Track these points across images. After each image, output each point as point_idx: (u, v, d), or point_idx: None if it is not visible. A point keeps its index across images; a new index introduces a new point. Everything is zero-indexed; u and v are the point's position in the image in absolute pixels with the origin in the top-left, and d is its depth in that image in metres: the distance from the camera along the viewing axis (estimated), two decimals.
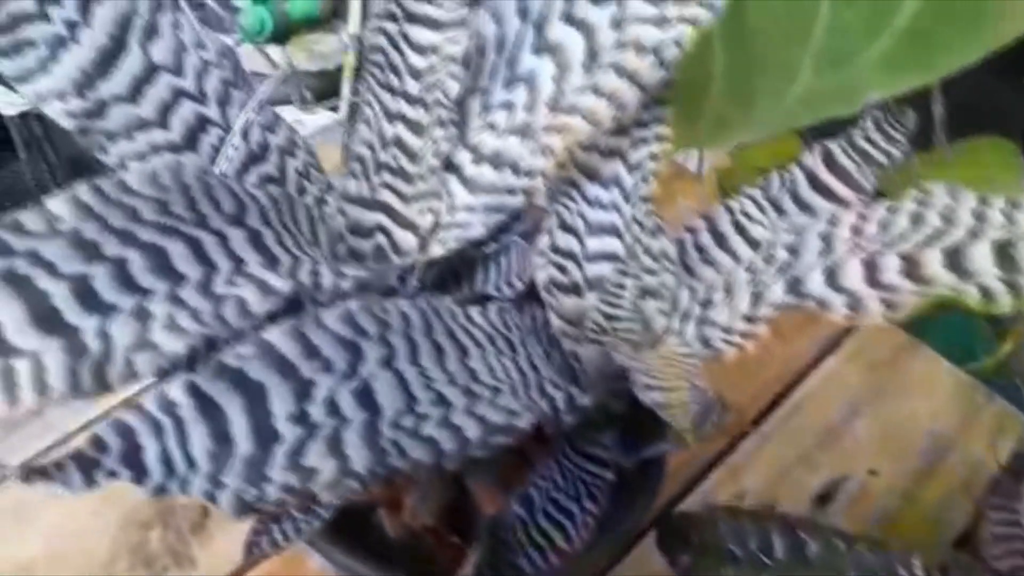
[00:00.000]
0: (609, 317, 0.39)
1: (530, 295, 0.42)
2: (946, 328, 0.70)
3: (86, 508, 0.53)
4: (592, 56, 0.35)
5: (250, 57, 1.14)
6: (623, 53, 0.35)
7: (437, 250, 0.38)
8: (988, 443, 0.64)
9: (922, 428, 0.65)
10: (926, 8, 0.42)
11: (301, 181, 0.40)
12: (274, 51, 1.16)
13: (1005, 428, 0.65)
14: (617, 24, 0.34)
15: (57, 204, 0.26)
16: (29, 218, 0.25)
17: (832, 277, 0.33)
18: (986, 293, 0.29)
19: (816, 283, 0.33)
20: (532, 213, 0.42)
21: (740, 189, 0.44)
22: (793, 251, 0.35)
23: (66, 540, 0.52)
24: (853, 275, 0.32)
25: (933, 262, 0.31)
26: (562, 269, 0.40)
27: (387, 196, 0.39)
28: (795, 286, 0.34)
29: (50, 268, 0.25)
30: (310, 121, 1.15)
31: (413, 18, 0.35)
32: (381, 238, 0.40)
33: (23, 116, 1.12)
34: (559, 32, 0.35)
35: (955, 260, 0.30)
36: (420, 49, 0.35)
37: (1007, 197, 0.32)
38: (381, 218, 0.40)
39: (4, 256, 0.24)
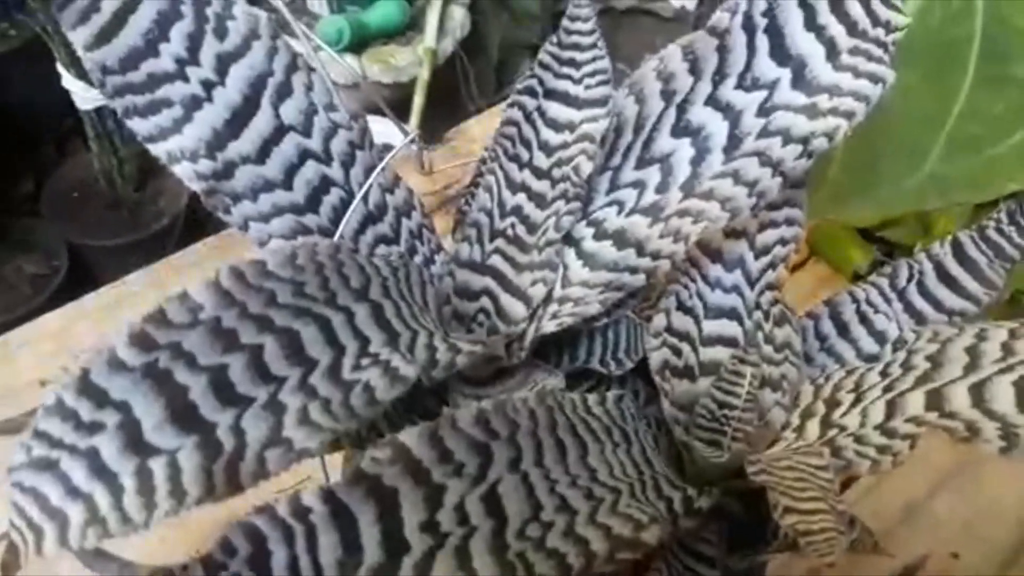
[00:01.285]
0: (723, 405, 0.38)
1: (635, 373, 0.40)
2: None
3: None
4: (735, 141, 0.33)
5: (325, 65, 1.14)
6: (768, 141, 0.33)
7: (550, 325, 0.37)
8: None
9: (1009, 510, 0.62)
10: None
11: (413, 241, 0.38)
12: (350, 61, 1.15)
13: None
14: (765, 111, 0.33)
15: (199, 291, 0.25)
16: (172, 308, 0.24)
17: (980, 397, 0.31)
18: None
19: (962, 401, 0.31)
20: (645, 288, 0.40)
21: (834, 253, 0.42)
22: (935, 362, 0.33)
23: None
24: (1003, 397, 0.30)
25: None
26: (676, 352, 0.38)
27: (498, 262, 0.38)
28: (937, 401, 0.32)
29: (190, 360, 0.24)
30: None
31: (552, 94, 0.33)
32: (487, 302, 0.39)
33: (97, 111, 1.12)
34: (702, 115, 0.33)
35: None
36: (556, 125, 0.34)
37: None
38: (489, 283, 0.39)
39: (148, 351, 0.23)
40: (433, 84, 1.18)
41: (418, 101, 1.16)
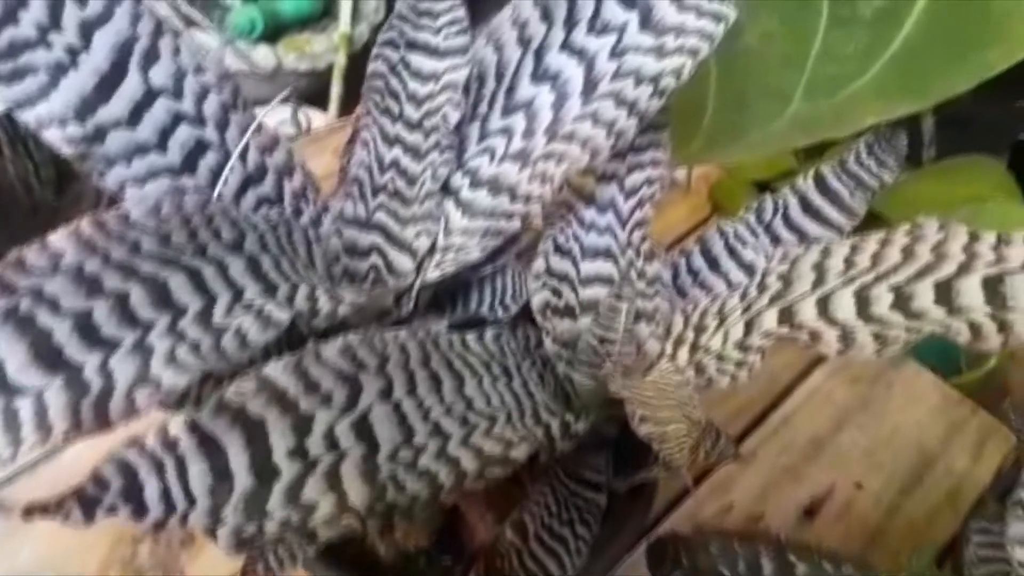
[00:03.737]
0: (603, 340, 0.40)
1: (523, 316, 0.42)
2: (931, 341, 0.71)
3: None
4: (591, 85, 0.35)
5: (240, 56, 1.14)
6: (621, 82, 0.35)
7: (434, 274, 0.38)
8: (972, 456, 0.65)
9: (907, 441, 0.66)
10: (919, 37, 0.42)
11: (297, 202, 0.40)
12: (264, 50, 1.15)
13: (989, 441, 0.66)
14: (617, 54, 0.35)
15: (59, 239, 0.26)
16: (32, 254, 0.25)
17: (824, 308, 0.33)
18: (975, 330, 0.30)
19: (809, 314, 0.33)
20: (525, 234, 0.42)
21: (735, 209, 0.44)
22: (786, 280, 0.35)
23: (57, 554, 0.52)
24: (845, 307, 0.33)
25: (924, 296, 0.31)
26: (557, 292, 0.40)
27: (384, 218, 0.39)
28: (788, 316, 0.34)
29: (52, 305, 0.25)
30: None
31: (414, 46, 0.35)
32: (377, 259, 0.40)
33: (7, 114, 1.10)
34: (558, 60, 0.35)
35: (945, 295, 0.31)
36: (421, 76, 0.35)
37: (998, 233, 0.33)
38: (377, 239, 0.40)
39: (8, 295, 0.24)
40: (350, 70, 1.18)
41: (336, 87, 1.17)
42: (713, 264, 0.42)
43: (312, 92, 1.19)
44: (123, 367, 0.25)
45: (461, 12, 0.34)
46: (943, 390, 0.69)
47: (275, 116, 1.00)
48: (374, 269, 0.41)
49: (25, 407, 0.24)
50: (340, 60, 1.18)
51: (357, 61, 1.21)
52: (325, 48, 1.19)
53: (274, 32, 1.17)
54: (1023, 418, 0.55)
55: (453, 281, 0.41)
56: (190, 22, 1.14)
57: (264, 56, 1.15)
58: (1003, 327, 0.30)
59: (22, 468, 0.56)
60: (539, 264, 0.40)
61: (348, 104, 1.14)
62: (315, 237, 0.39)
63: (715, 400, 0.64)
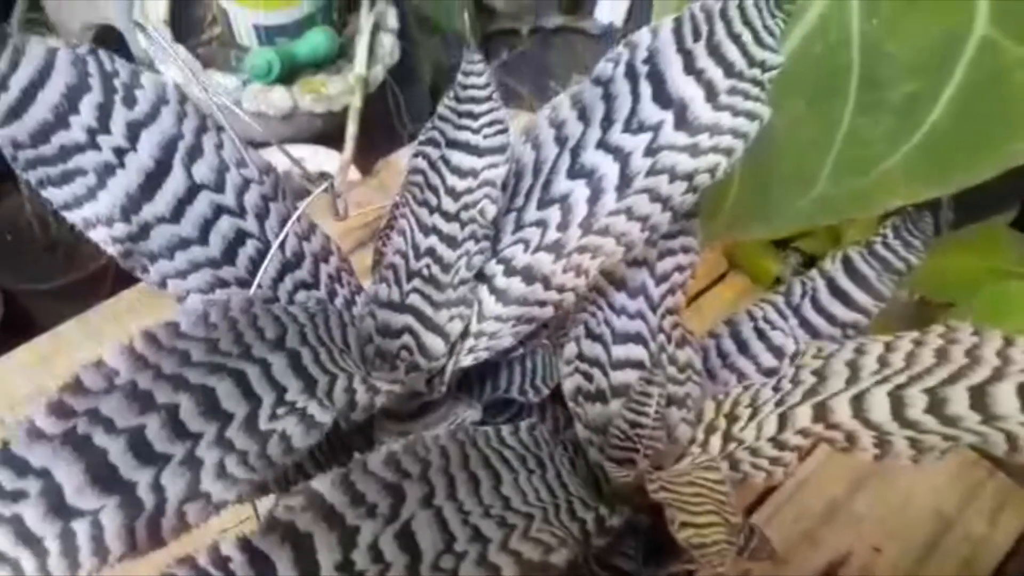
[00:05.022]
0: (634, 425, 0.40)
1: (553, 398, 0.42)
2: None
3: None
4: (626, 181, 0.36)
5: (257, 98, 1.15)
6: (656, 179, 0.35)
7: (467, 359, 0.39)
8: (989, 521, 0.65)
9: (924, 505, 0.66)
10: (947, 124, 0.43)
11: (333, 285, 0.40)
12: (281, 92, 1.16)
13: (1007, 505, 0.66)
14: (652, 152, 0.35)
15: (114, 356, 0.26)
16: (88, 375, 0.25)
17: (859, 407, 0.33)
18: (1012, 441, 0.30)
19: (844, 412, 0.34)
20: (557, 318, 0.42)
21: (751, 265, 0.45)
22: (820, 376, 0.36)
23: None
24: (880, 407, 0.33)
25: (959, 402, 0.31)
26: (588, 377, 0.40)
27: (418, 301, 0.40)
28: (822, 412, 0.34)
29: (108, 425, 0.25)
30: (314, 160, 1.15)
31: (455, 144, 0.36)
32: (408, 339, 0.41)
33: None
34: (594, 158, 0.36)
35: (980, 401, 0.31)
36: (460, 172, 0.36)
37: None
38: (410, 320, 0.40)
39: (65, 418, 0.24)
40: (366, 111, 1.19)
41: (351, 129, 1.18)
42: (742, 347, 0.42)
43: (327, 133, 1.20)
44: (174, 483, 0.26)
45: (501, 113, 0.35)
46: (960, 452, 0.69)
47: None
48: (406, 349, 0.41)
49: (82, 530, 0.24)
50: (356, 102, 1.18)
51: (372, 102, 1.22)
52: (340, 90, 1.20)
53: (290, 74, 1.18)
54: None
55: (484, 362, 0.41)
56: (208, 64, 1.15)
57: (281, 97, 1.16)
58: None
59: None
60: (571, 349, 0.40)
61: (363, 145, 1.15)
62: (349, 319, 0.39)
63: None
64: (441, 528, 0.29)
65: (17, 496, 0.23)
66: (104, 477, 0.25)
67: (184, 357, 0.28)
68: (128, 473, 0.25)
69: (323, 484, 0.27)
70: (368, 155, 1.10)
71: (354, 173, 1.07)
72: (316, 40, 1.20)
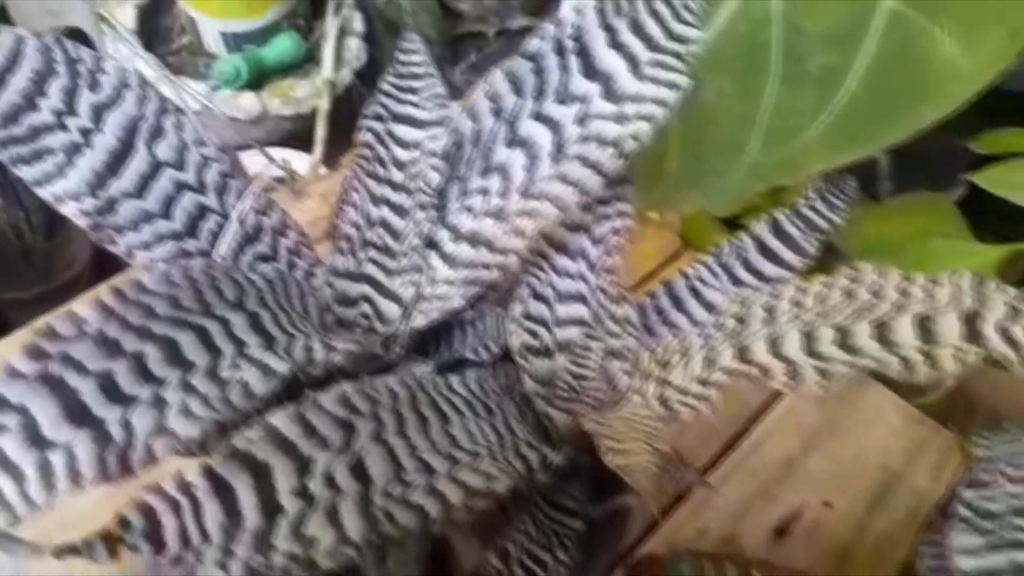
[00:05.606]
0: (577, 377, 0.43)
1: (503, 357, 0.45)
2: None
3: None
4: (559, 148, 0.39)
5: (227, 103, 1.17)
6: (587, 146, 0.38)
7: (421, 320, 0.42)
8: (933, 475, 0.68)
9: (873, 461, 0.69)
10: (861, 93, 0.47)
11: (292, 258, 0.43)
12: (250, 97, 1.19)
13: (950, 460, 0.69)
14: (582, 121, 0.38)
15: (83, 307, 0.29)
16: (59, 323, 0.28)
17: (775, 346, 0.37)
18: (906, 364, 0.33)
19: (761, 351, 0.37)
20: (504, 281, 0.45)
21: (702, 242, 0.48)
22: (741, 320, 0.39)
23: None
24: (793, 344, 0.36)
25: (862, 335, 0.35)
26: (534, 334, 0.43)
27: (372, 270, 0.43)
28: (743, 353, 0.37)
29: (79, 367, 0.28)
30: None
31: (398, 118, 0.38)
32: (366, 307, 0.44)
33: None
34: (529, 128, 0.39)
35: (881, 333, 0.34)
36: (404, 144, 0.39)
37: (927, 275, 0.36)
38: (366, 289, 0.43)
39: (39, 359, 0.27)
40: (334, 113, 1.22)
41: (320, 131, 1.20)
42: (678, 304, 0.46)
43: (296, 135, 1.23)
44: (142, 420, 0.28)
45: (440, 88, 0.37)
46: (906, 410, 0.73)
47: (261, 161, 1.04)
48: (364, 317, 0.44)
49: (57, 459, 0.27)
50: (323, 104, 1.21)
51: (340, 104, 1.25)
52: (308, 93, 1.23)
53: (259, 79, 1.20)
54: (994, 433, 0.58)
55: (437, 326, 0.44)
56: (174, 75, 1.18)
57: (250, 102, 1.18)
58: (930, 360, 0.33)
59: None
60: (517, 308, 0.43)
61: (332, 146, 1.18)
62: (309, 289, 0.42)
63: (689, 426, 0.67)
64: (391, 461, 0.32)
65: None
66: (76, 413, 0.27)
67: (148, 311, 0.31)
68: (98, 411, 0.28)
69: (278, 418, 0.30)
70: (338, 156, 1.13)
71: (324, 173, 1.09)
72: (283, 45, 1.22)
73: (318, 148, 1.20)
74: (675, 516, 0.62)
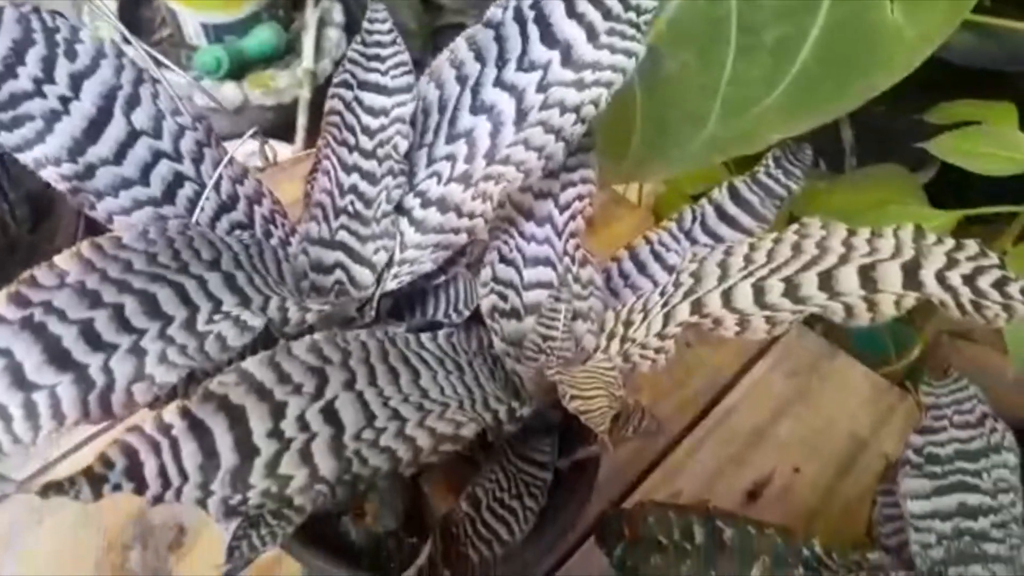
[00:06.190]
0: (545, 338, 0.45)
1: (475, 319, 0.47)
2: (862, 335, 0.77)
3: (70, 532, 0.57)
4: (521, 115, 0.40)
5: (207, 94, 1.18)
6: (548, 112, 0.40)
7: (393, 284, 0.43)
8: (900, 439, 0.71)
9: (841, 428, 0.71)
10: (814, 63, 0.48)
11: (267, 226, 0.44)
12: (231, 87, 1.20)
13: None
14: (543, 88, 0.40)
15: (64, 259, 0.30)
16: (42, 273, 0.29)
17: (728, 299, 0.38)
18: (848, 310, 0.35)
19: (715, 304, 0.39)
20: (474, 247, 0.47)
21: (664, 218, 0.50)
22: (696, 277, 0.41)
23: (52, 562, 0.56)
24: (744, 297, 0.38)
25: (809, 285, 0.36)
26: (503, 297, 0.45)
27: (345, 237, 0.44)
28: (698, 307, 0.39)
29: (61, 315, 0.29)
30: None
31: (365, 85, 0.40)
32: (340, 274, 0.45)
33: None
34: (492, 95, 0.41)
35: (827, 283, 0.36)
36: (372, 112, 0.40)
37: (872, 228, 0.38)
38: (340, 256, 0.45)
39: (23, 307, 0.28)
40: (315, 103, 1.23)
41: (301, 120, 1.22)
42: (641, 268, 0.47)
43: (278, 125, 1.24)
44: (122, 366, 0.30)
45: (405, 56, 0.39)
46: (873, 379, 0.75)
47: (245, 149, 1.05)
48: (338, 283, 0.45)
49: (42, 400, 0.28)
50: (304, 94, 1.23)
51: (321, 94, 1.26)
52: (289, 83, 1.24)
53: (240, 69, 1.21)
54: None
55: (410, 290, 0.46)
56: (160, 63, 1.18)
57: (231, 92, 1.19)
58: (871, 306, 0.35)
59: (47, 463, 0.59)
60: (486, 272, 0.45)
61: (313, 136, 1.19)
62: (284, 256, 0.44)
63: (664, 393, 0.69)
64: (362, 408, 0.34)
65: None
66: (59, 358, 0.29)
67: (127, 265, 0.32)
68: (80, 356, 0.29)
69: (252, 364, 0.31)
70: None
71: (303, 154, 1.10)
72: (263, 36, 1.23)
73: (299, 137, 1.21)
74: (649, 480, 0.64)
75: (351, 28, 1.36)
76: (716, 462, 0.67)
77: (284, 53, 1.27)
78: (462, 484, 0.44)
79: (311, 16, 1.28)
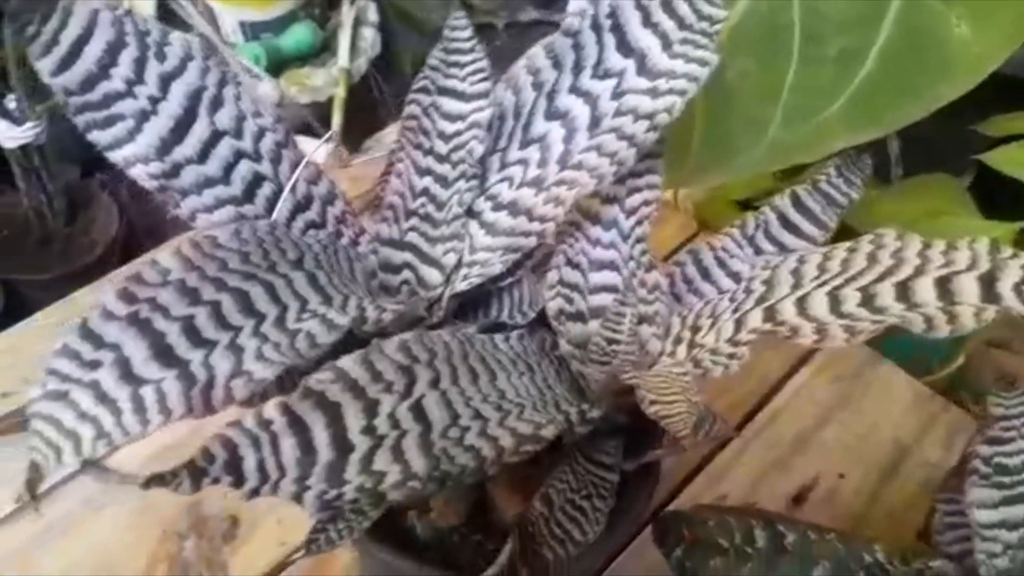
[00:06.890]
0: (610, 341, 0.45)
1: (539, 321, 0.47)
2: (904, 344, 0.77)
3: (127, 522, 0.57)
4: (595, 121, 0.41)
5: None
6: (622, 119, 0.41)
7: (462, 285, 0.44)
8: (944, 447, 0.71)
9: (885, 435, 0.71)
10: (879, 73, 0.49)
11: (339, 226, 0.45)
12: (268, 84, 1.21)
13: (959, 433, 0.72)
14: (617, 95, 0.41)
15: (166, 258, 0.31)
16: (146, 271, 0.30)
17: (802, 307, 0.39)
18: (928, 321, 0.35)
19: (789, 312, 0.39)
20: (539, 250, 0.48)
21: (719, 225, 0.50)
22: (768, 284, 0.41)
23: (108, 551, 0.56)
24: (820, 305, 0.38)
25: (886, 295, 0.37)
26: (569, 300, 0.45)
27: (415, 238, 0.45)
28: (771, 314, 0.40)
29: (165, 311, 0.30)
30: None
31: (444, 91, 0.41)
32: (408, 274, 0.46)
33: (23, 148, 1.15)
34: (567, 101, 0.41)
35: (904, 293, 0.36)
36: (449, 117, 0.41)
37: (947, 240, 0.38)
38: (409, 257, 0.45)
39: (130, 303, 0.29)
40: (350, 102, 1.24)
41: (337, 118, 1.22)
42: (704, 274, 0.48)
43: (315, 122, 1.25)
44: (222, 362, 0.31)
45: (483, 63, 0.40)
46: (916, 388, 0.75)
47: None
48: (406, 283, 0.46)
49: (149, 395, 0.29)
50: (340, 93, 1.23)
51: (356, 92, 1.27)
52: (325, 81, 1.25)
53: (277, 67, 1.22)
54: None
55: (477, 291, 0.46)
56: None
57: (268, 90, 1.20)
58: (951, 318, 0.35)
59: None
60: (553, 275, 0.45)
61: (348, 134, 1.20)
62: (355, 256, 0.44)
63: (710, 398, 0.70)
64: (447, 407, 0.34)
65: (95, 365, 0.28)
66: (164, 353, 0.29)
67: (223, 264, 0.33)
68: (183, 352, 0.30)
69: (347, 362, 0.32)
70: (355, 142, 1.15)
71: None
72: (300, 34, 1.24)
73: (336, 134, 1.22)
74: (694, 484, 0.64)
75: (385, 28, 1.37)
76: (761, 466, 0.67)
77: (320, 51, 1.28)
78: (524, 483, 0.45)
79: (347, 15, 1.29)
